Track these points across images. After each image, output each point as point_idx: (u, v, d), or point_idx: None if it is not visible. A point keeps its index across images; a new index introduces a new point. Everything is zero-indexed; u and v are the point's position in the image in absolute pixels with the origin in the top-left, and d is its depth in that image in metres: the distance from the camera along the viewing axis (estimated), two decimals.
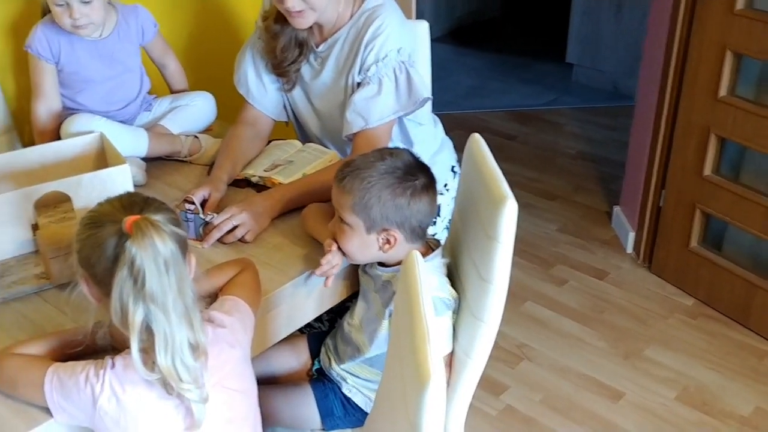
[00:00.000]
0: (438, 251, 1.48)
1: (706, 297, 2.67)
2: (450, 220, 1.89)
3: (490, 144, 1.48)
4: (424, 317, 1.05)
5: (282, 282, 1.47)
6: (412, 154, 1.46)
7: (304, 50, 1.83)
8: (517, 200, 1.26)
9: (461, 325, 1.42)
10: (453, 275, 1.49)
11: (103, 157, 1.70)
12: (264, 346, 1.50)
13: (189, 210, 1.57)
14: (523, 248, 2.96)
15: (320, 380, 1.63)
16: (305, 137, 1.99)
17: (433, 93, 1.91)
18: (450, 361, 1.42)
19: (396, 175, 1.40)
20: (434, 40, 2.13)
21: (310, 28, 1.77)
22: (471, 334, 1.38)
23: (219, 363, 1.17)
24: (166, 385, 1.10)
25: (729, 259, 2.58)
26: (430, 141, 1.99)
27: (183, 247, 1.12)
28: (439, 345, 1.39)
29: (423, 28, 2.05)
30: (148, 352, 1.08)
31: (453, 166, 2.05)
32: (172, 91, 2.09)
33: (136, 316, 1.05)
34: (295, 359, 1.71)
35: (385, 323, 1.45)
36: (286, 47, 1.81)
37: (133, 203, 1.11)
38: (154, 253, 1.04)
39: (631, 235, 2.95)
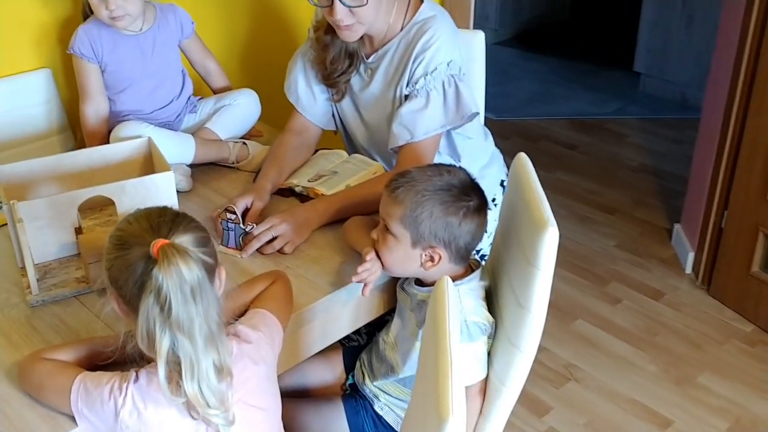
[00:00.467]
0: (477, 273, 1.44)
1: (766, 324, 2.56)
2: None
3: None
4: (449, 350, 1.02)
5: (317, 297, 1.45)
6: (468, 174, 1.43)
7: (354, 61, 1.81)
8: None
9: (497, 352, 1.39)
10: (491, 298, 1.46)
11: (150, 162, 1.71)
12: (296, 360, 1.49)
13: (230, 219, 1.57)
14: (577, 263, 2.87)
15: (352, 396, 1.61)
16: (353, 148, 1.97)
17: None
18: (483, 387, 1.39)
19: (451, 193, 1.37)
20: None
21: (361, 38, 1.75)
22: (506, 362, 1.35)
23: (242, 379, 1.16)
24: (190, 409, 1.10)
25: None
26: (478, 155, 1.95)
27: (210, 269, 1.12)
28: (473, 371, 1.37)
29: (479, 38, 2.01)
30: (173, 375, 1.08)
31: (503, 180, 2.00)
32: (215, 91, 2.10)
33: (163, 344, 1.05)
34: (329, 372, 1.69)
35: (418, 344, 1.43)
36: (336, 59, 1.80)
37: (161, 223, 1.11)
38: (180, 280, 1.04)
39: (691, 255, 2.85)
